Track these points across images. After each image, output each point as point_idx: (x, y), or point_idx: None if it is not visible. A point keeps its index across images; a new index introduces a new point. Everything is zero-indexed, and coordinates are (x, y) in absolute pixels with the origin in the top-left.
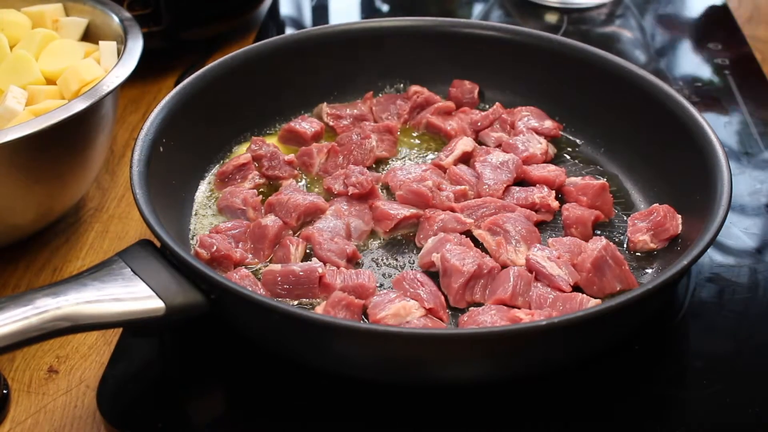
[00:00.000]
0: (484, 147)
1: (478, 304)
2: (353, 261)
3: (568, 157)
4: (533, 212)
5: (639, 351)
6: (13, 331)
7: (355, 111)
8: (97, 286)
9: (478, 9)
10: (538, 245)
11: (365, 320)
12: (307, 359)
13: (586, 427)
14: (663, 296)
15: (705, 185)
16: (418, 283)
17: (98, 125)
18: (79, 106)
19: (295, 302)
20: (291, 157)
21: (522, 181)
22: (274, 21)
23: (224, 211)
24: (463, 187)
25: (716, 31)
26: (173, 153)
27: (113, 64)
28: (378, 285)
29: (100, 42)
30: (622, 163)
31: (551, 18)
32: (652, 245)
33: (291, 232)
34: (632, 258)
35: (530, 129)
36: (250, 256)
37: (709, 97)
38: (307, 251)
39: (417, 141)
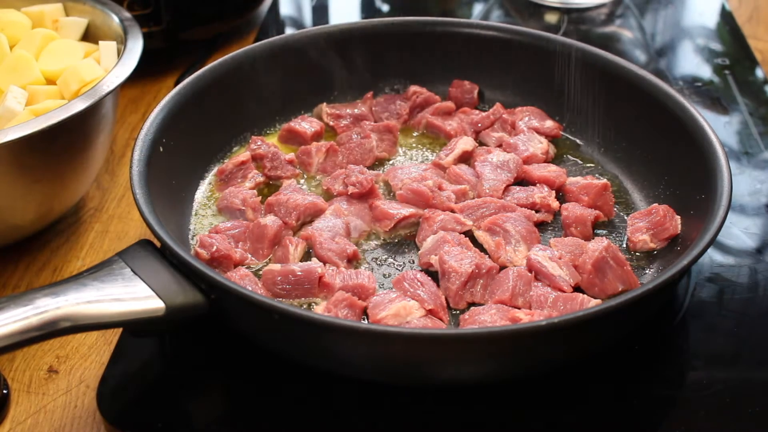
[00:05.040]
0: (484, 147)
1: (479, 304)
2: (353, 261)
3: (568, 157)
4: (533, 212)
5: (639, 351)
6: (13, 331)
7: (355, 111)
8: (97, 286)
9: (478, 9)
10: (539, 245)
11: (365, 320)
12: (307, 359)
13: (586, 427)
14: (663, 296)
15: (705, 185)
16: (419, 283)
17: (98, 125)
18: (79, 106)
19: (295, 302)
20: (291, 156)
21: (522, 181)
22: (274, 21)
23: (224, 211)
24: (463, 186)
25: (716, 31)
26: (173, 153)
27: (113, 64)
28: (378, 285)
29: (100, 42)
30: (622, 163)
31: (551, 18)
32: (652, 245)
33: (291, 232)
34: (632, 258)
35: (531, 129)
36: (250, 256)
37: (709, 97)
38: (309, 251)
39: (417, 141)
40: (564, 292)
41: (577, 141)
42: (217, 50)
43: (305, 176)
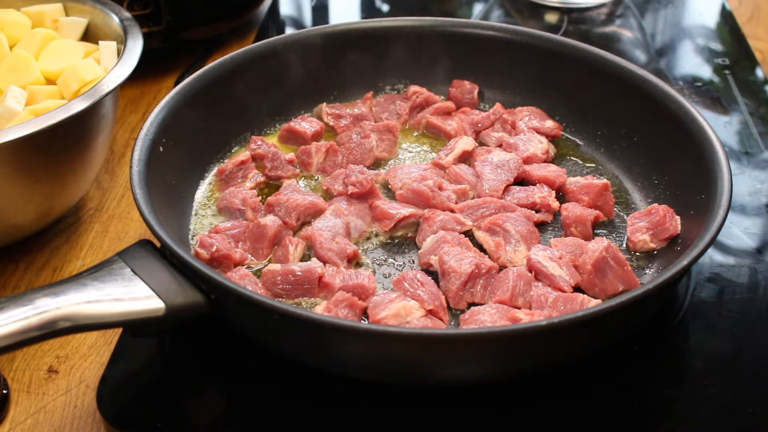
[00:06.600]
0: (484, 147)
1: (479, 304)
2: (353, 261)
3: (568, 157)
4: (533, 212)
5: (639, 351)
6: (13, 331)
7: (355, 111)
8: (97, 286)
9: (478, 9)
10: (539, 245)
11: (365, 320)
12: (307, 359)
13: (586, 427)
14: (663, 296)
15: (705, 185)
16: (419, 283)
17: (98, 125)
18: (79, 106)
19: (295, 302)
20: (291, 156)
21: (522, 181)
22: (274, 21)
23: (224, 211)
24: (463, 186)
25: (716, 31)
26: (173, 153)
27: (113, 64)
28: (378, 285)
29: (100, 42)
30: (622, 163)
31: (551, 18)
32: (652, 245)
33: (291, 232)
34: (632, 258)
35: (531, 129)
36: (250, 256)
37: (709, 97)
38: (308, 251)
39: (417, 141)
40: (564, 292)
41: (577, 141)
42: (217, 50)
43: (305, 176)
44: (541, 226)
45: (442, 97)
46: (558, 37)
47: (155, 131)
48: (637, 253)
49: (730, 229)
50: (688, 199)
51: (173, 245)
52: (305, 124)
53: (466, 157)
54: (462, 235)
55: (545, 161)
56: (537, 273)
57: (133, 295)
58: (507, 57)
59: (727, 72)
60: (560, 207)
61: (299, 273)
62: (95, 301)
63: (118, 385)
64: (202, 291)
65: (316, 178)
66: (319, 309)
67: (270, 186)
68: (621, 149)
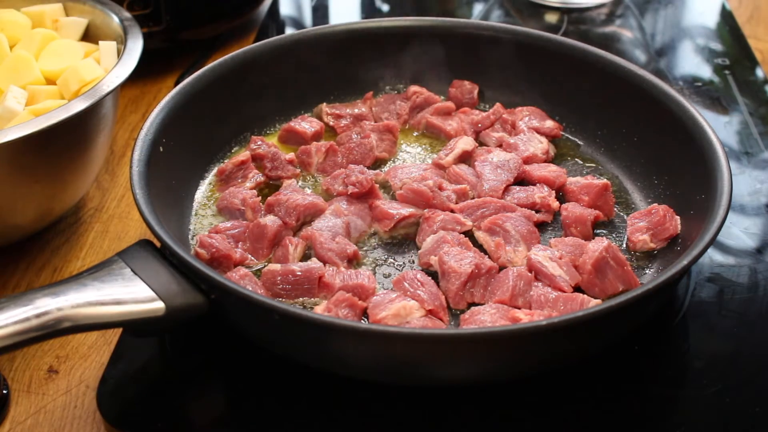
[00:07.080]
0: (484, 147)
1: (479, 304)
2: (353, 261)
3: (568, 157)
4: (533, 212)
5: (639, 351)
6: (13, 331)
7: (355, 111)
8: (97, 286)
9: (478, 9)
10: (539, 245)
11: (365, 320)
12: (307, 359)
13: (586, 426)
14: (663, 296)
15: (705, 185)
16: (419, 283)
17: (98, 125)
18: (79, 106)
19: (296, 302)
20: (291, 156)
21: (522, 181)
22: (274, 21)
23: (224, 211)
24: (463, 186)
25: (716, 31)
26: (173, 153)
27: (113, 64)
28: (378, 285)
29: (100, 42)
30: (622, 163)
31: (551, 18)
32: (652, 245)
33: (291, 232)
34: (632, 258)
35: (531, 129)
36: (250, 256)
37: (709, 97)
38: (308, 252)
39: (417, 141)
40: (564, 292)
41: (577, 141)
42: (217, 50)
43: (305, 176)
44: (541, 226)
45: (442, 97)
46: (558, 37)
47: (155, 131)
48: (637, 253)
49: (730, 229)
50: (688, 199)
51: (173, 245)
52: (305, 124)
53: (466, 157)
54: (462, 235)
55: (545, 161)
56: (537, 273)
57: (133, 296)
58: (507, 57)
59: (727, 72)
60: (560, 207)
61: (299, 273)
62: (95, 301)
63: (118, 385)
64: (202, 291)
65: (316, 177)
66: (319, 309)
67: (270, 186)
68: (621, 149)
